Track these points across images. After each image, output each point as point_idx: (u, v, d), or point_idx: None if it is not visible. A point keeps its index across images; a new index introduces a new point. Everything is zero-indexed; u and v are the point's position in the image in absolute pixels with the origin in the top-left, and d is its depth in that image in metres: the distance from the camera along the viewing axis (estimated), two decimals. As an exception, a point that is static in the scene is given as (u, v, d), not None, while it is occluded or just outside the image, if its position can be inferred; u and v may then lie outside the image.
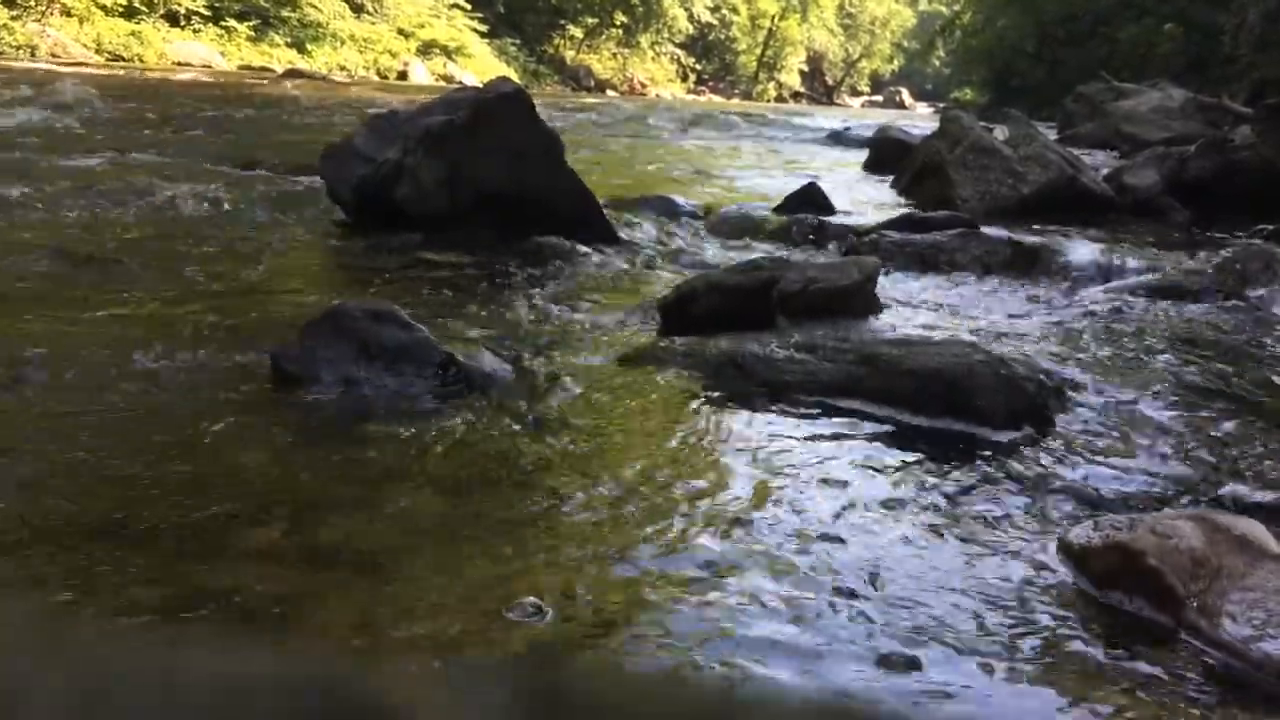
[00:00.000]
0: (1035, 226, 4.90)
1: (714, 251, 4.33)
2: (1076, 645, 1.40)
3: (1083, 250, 4.29)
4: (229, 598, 1.39)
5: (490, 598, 1.43)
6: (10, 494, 1.68)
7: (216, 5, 24.83)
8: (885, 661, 1.33)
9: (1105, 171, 6.47)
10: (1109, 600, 1.52)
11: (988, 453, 2.09)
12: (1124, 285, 3.80)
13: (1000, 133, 6.06)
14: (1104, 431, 2.25)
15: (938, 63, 46.52)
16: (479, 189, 4.15)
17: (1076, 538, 1.65)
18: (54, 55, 19.94)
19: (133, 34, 22.65)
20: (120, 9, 22.88)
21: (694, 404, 2.31)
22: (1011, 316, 3.36)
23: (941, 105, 29.89)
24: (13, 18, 20.47)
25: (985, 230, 4.51)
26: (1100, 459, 2.08)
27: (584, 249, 3.92)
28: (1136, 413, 2.38)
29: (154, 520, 1.61)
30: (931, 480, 1.94)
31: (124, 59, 21.61)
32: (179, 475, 1.79)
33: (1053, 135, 8.70)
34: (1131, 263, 4.12)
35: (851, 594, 1.49)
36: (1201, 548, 1.53)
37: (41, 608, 1.35)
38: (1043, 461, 2.05)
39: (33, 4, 21.12)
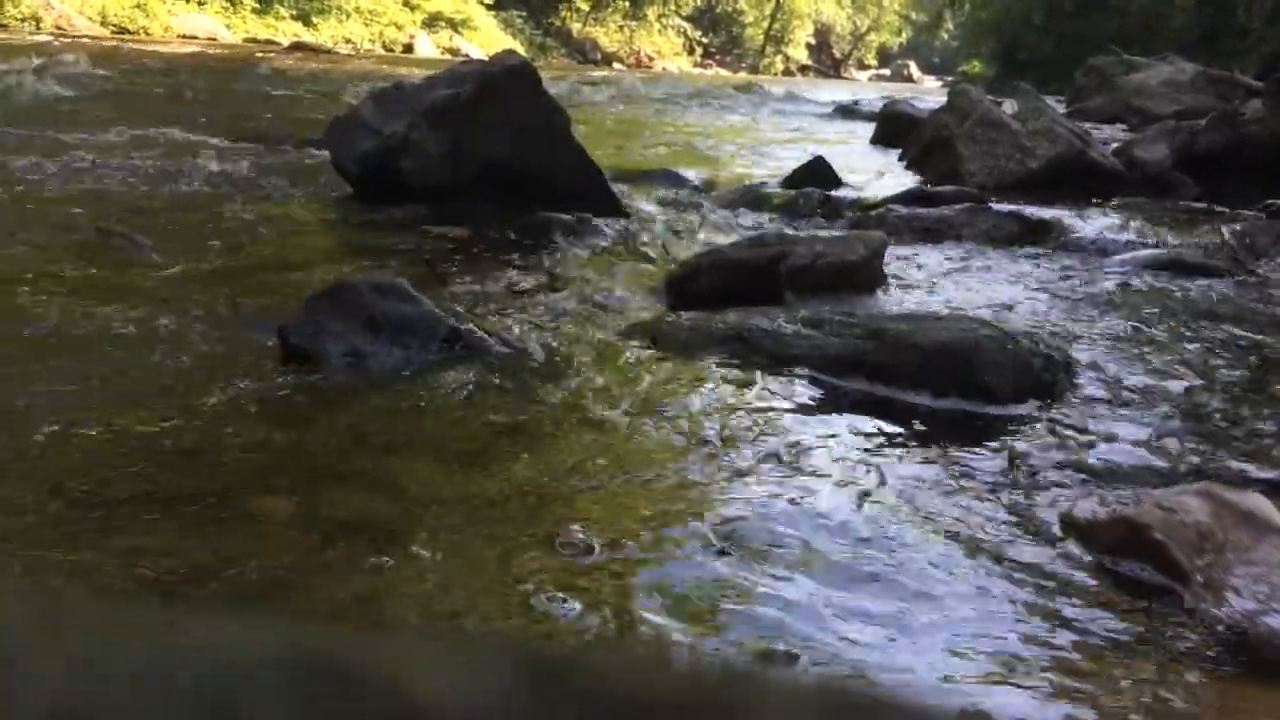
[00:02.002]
0: (1043, 201, 4.87)
1: (720, 226, 4.31)
2: (1081, 618, 1.41)
3: (1091, 225, 4.27)
4: (237, 569, 1.40)
5: (496, 571, 1.44)
6: (20, 463, 1.69)
7: (222, -23, 24.72)
8: (890, 633, 1.33)
9: (1114, 145, 6.42)
10: (1114, 574, 1.52)
11: (994, 428, 2.09)
12: (1132, 260, 3.78)
13: (1009, 106, 6.02)
14: (1111, 407, 2.24)
15: (946, 36, 46.20)
16: (484, 162, 4.13)
17: (1082, 512, 1.65)
18: (59, 28, 19.86)
19: (138, 6, 22.55)
20: (125, -20, 22.77)
21: (699, 378, 2.31)
22: (1019, 291, 3.35)
23: (949, 79, 29.70)
24: (17, -10, 20.39)
25: (993, 205, 4.49)
26: (1107, 434, 2.07)
27: (589, 223, 3.90)
28: (1143, 388, 2.37)
29: (161, 492, 1.61)
30: (937, 455, 1.94)
31: (129, 32, 21.52)
32: (186, 448, 1.80)
33: (1062, 109, 8.64)
34: (1140, 237, 4.11)
35: (854, 568, 1.50)
36: (1207, 522, 1.53)
37: (50, 576, 1.36)
38: (1049, 437, 2.05)
39: (37, -24, 21.02)
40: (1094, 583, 1.50)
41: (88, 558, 1.41)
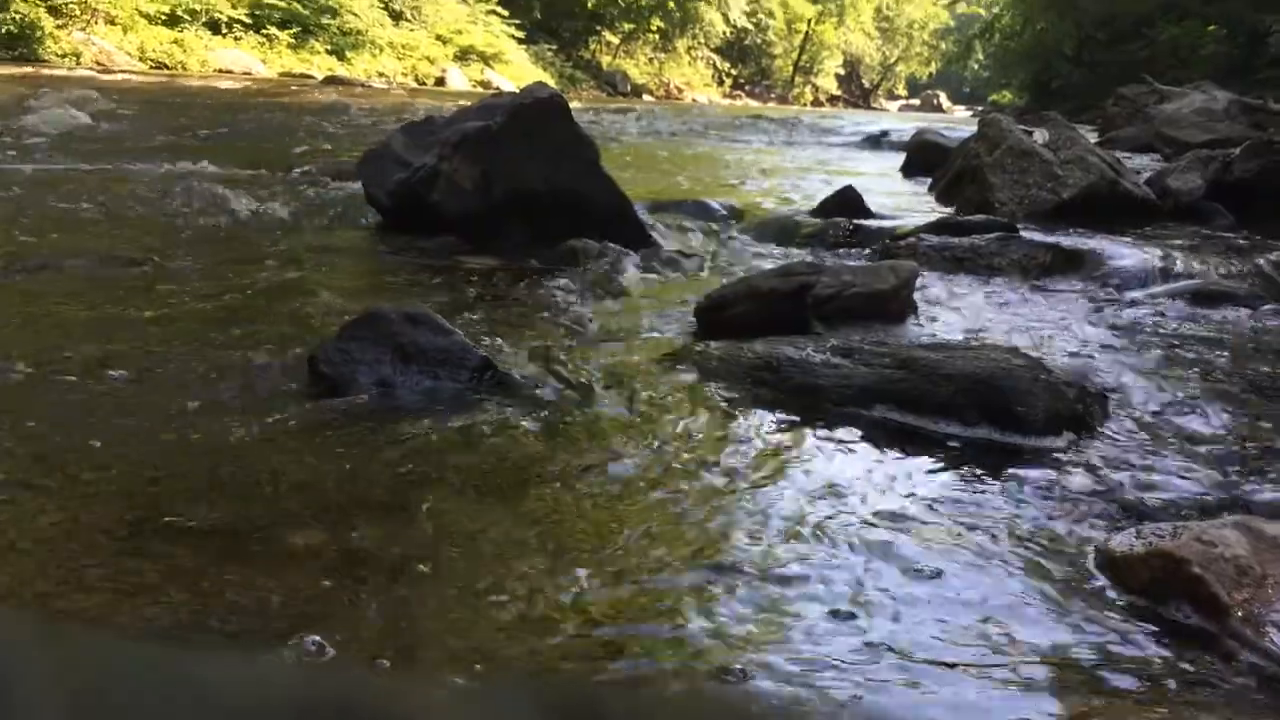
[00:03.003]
0: (1075, 230, 4.84)
1: (749, 255, 4.31)
2: (1118, 654, 1.38)
3: (1125, 254, 4.23)
4: (263, 601, 1.40)
5: (524, 608, 1.43)
6: (45, 493, 1.70)
7: (258, 13, 25.14)
8: (923, 673, 1.31)
9: (1147, 175, 6.38)
10: (1151, 609, 1.50)
11: (1027, 459, 2.07)
12: (1167, 290, 3.75)
13: (1040, 136, 5.99)
14: (1146, 438, 2.21)
15: (976, 66, 46.24)
16: (514, 193, 4.16)
17: (1118, 545, 1.62)
18: (98, 63, 20.26)
19: (175, 42, 22.98)
20: (163, 17, 23.22)
21: (729, 409, 2.30)
22: (1052, 321, 3.32)
23: (979, 108, 29.71)
24: (58, 26, 20.84)
25: (1025, 234, 4.46)
26: (1143, 466, 2.05)
27: (618, 253, 3.91)
28: (1180, 419, 2.34)
29: (189, 522, 1.62)
30: (969, 487, 1.92)
31: (167, 66, 21.93)
32: (214, 477, 1.80)
33: (1093, 138, 8.60)
34: (1175, 267, 4.06)
35: (889, 605, 1.48)
36: (1246, 556, 1.50)
37: (73, 609, 1.37)
38: (1083, 468, 2.03)
39: (78, 13, 21.49)
40: (1130, 617, 1.48)
41: (111, 588, 1.42)
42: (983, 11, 47.01)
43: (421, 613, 1.40)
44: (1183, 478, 2.00)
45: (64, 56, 20.23)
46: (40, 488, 1.72)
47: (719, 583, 1.51)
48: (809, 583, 1.52)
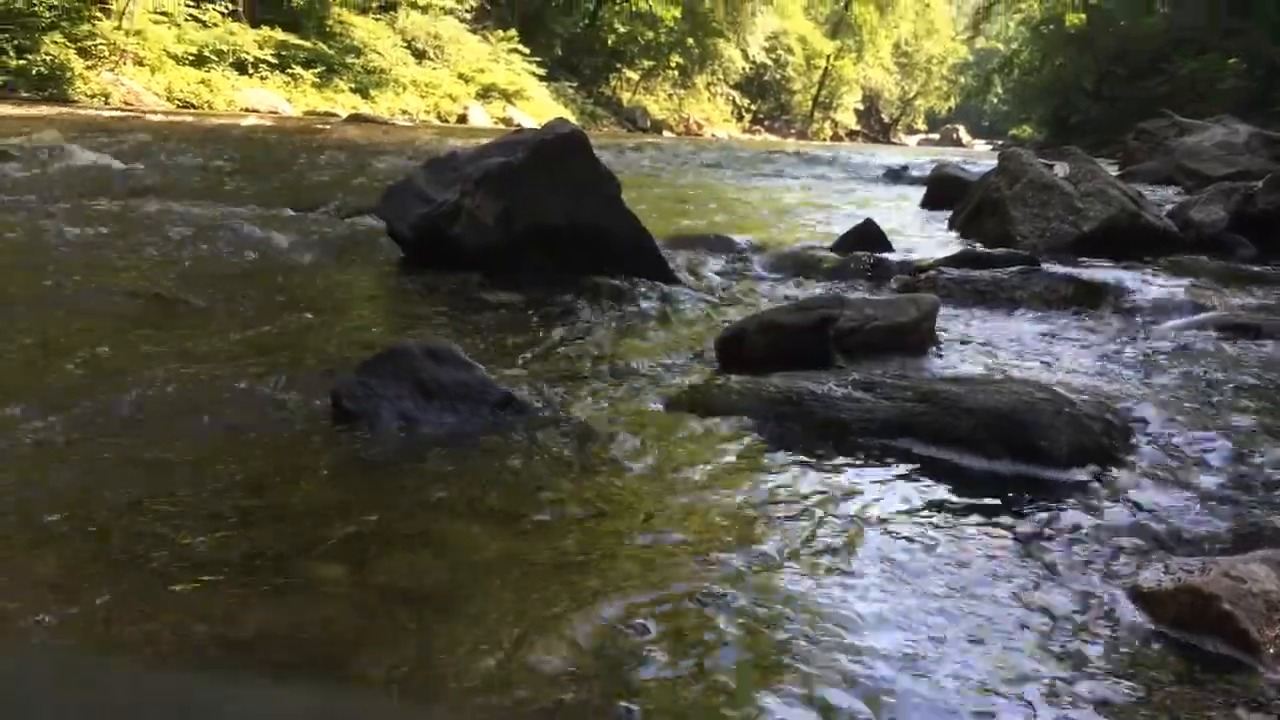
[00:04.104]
0: (1097, 263, 4.82)
1: (770, 289, 4.32)
2: (1149, 692, 1.36)
3: (1147, 287, 4.21)
4: (288, 634, 1.40)
5: (545, 643, 1.42)
6: (69, 525, 1.71)
7: (283, 54, 25.48)
8: (957, 712, 1.30)
9: (1169, 208, 6.37)
10: (1182, 645, 1.48)
11: (1052, 494, 2.05)
12: (1190, 322, 3.72)
13: (1060, 169, 5.99)
14: (1173, 472, 2.19)
15: (995, 100, 46.37)
16: (535, 228, 4.19)
17: (1147, 581, 1.60)
18: (127, 103, 20.56)
19: (202, 82, 23.29)
20: (190, 58, 23.56)
21: (749, 443, 2.30)
22: (1074, 354, 3.30)
23: (999, 143, 29.76)
24: (88, 67, 21.18)
25: (1046, 266, 4.45)
26: (1169, 499, 2.03)
27: (639, 287, 3.93)
28: (1205, 452, 2.32)
29: (212, 555, 1.63)
30: (993, 522, 1.91)
31: (194, 106, 22.22)
32: (238, 510, 1.81)
33: (1114, 172, 8.58)
34: (1197, 299, 4.04)
35: (916, 643, 1.46)
36: (1276, 591, 1.48)
37: (97, 641, 1.37)
38: (1109, 503, 2.01)
39: (107, 54, 21.84)
40: (1159, 654, 1.46)
41: (137, 622, 1.42)
42: (1001, 47, 47.24)
43: (442, 645, 1.40)
44: (1210, 511, 1.98)
45: (93, 97, 20.54)
46: (66, 519, 1.73)
47: (745, 619, 1.50)
48: (835, 623, 1.51)
